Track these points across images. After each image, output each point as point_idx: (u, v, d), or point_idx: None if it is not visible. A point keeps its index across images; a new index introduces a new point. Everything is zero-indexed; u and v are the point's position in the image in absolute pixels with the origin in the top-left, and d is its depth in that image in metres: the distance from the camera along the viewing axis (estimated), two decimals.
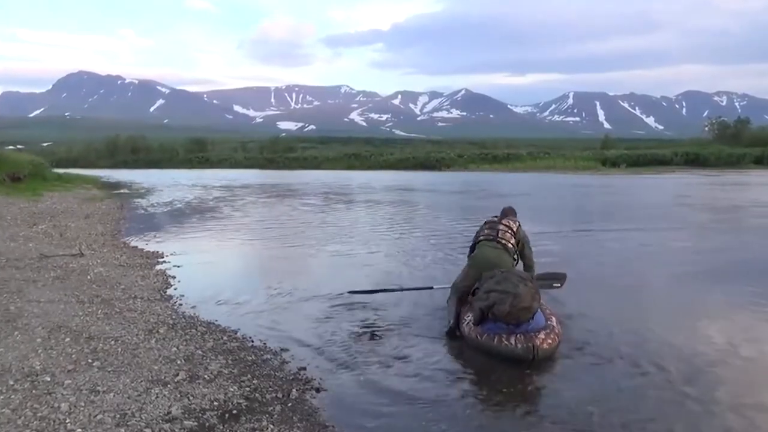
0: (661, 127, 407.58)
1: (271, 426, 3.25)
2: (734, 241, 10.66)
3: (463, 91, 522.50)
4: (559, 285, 5.60)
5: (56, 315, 5.14)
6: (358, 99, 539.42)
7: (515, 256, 5.17)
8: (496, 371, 4.15)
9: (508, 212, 5.52)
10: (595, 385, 3.90)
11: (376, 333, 5.04)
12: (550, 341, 4.20)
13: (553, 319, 4.55)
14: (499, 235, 5.13)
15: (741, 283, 6.89)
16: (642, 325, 5.20)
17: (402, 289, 6.02)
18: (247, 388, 3.74)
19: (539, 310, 4.44)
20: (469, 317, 4.65)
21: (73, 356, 4.13)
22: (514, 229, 5.19)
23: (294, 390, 3.76)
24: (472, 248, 5.35)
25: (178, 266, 7.96)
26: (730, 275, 7.49)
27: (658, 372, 4.10)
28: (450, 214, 15.70)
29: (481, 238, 5.21)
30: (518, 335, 4.21)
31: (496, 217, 5.44)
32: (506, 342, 4.22)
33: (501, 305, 4.25)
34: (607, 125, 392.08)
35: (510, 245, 5.11)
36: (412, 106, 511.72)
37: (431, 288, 5.82)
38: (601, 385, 3.90)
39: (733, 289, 6.66)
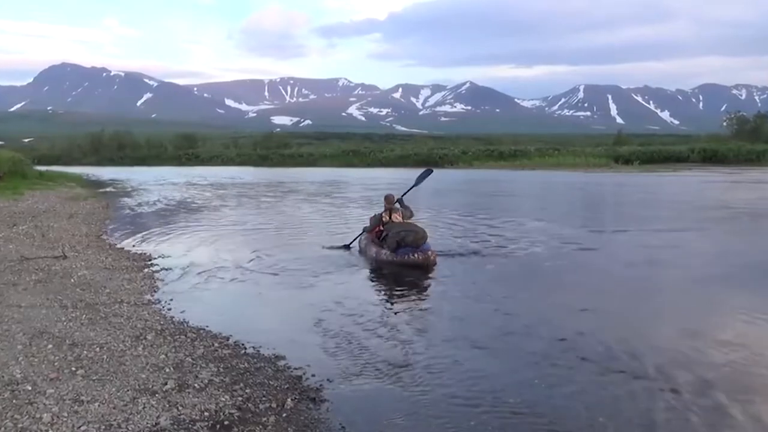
0: (676, 122, 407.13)
1: None
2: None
3: (467, 84, 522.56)
4: (429, 175, 10.48)
5: (38, 320, 5.14)
6: (356, 92, 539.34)
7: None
8: (502, 379, 4.16)
9: (391, 200, 9.04)
10: (602, 396, 3.90)
11: (375, 336, 5.05)
12: (434, 257, 8.16)
13: (432, 247, 8.36)
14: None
15: None
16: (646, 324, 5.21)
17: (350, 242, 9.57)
18: (240, 398, 3.74)
19: (426, 241, 8.32)
20: (385, 250, 8.41)
21: (56, 364, 4.13)
22: (401, 217, 8.76)
23: (289, 400, 3.75)
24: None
25: (167, 269, 7.97)
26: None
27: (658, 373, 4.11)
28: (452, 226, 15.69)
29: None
30: (419, 253, 8.12)
31: (387, 212, 8.96)
32: (412, 257, 8.10)
33: (409, 237, 8.19)
34: (619, 120, 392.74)
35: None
36: (413, 99, 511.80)
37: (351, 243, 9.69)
38: (611, 395, 3.90)
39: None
